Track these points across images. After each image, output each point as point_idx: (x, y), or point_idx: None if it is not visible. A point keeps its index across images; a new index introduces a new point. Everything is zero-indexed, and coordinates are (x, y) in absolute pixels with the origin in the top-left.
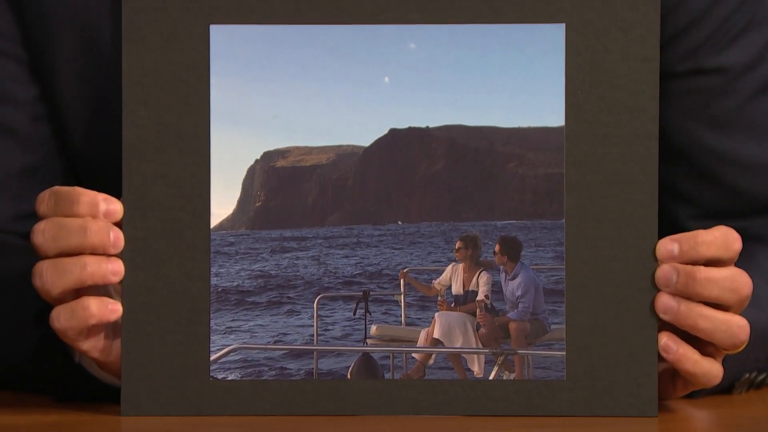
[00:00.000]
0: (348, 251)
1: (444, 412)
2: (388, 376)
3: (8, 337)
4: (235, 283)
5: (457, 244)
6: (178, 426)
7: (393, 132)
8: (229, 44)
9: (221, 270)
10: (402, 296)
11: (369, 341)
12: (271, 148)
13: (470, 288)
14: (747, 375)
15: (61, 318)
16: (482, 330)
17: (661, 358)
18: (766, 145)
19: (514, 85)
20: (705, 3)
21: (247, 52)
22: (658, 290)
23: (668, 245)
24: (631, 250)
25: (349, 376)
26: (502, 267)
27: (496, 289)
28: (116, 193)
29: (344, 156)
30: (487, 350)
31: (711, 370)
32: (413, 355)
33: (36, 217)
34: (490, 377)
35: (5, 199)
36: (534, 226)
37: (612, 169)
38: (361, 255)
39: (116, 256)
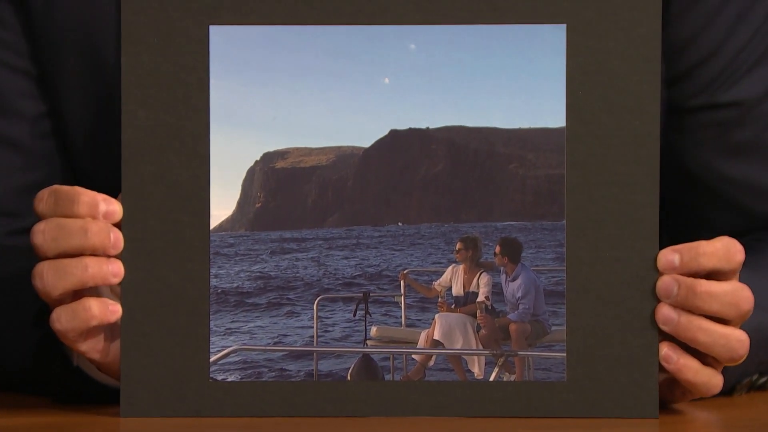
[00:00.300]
0: (348, 252)
1: (444, 413)
2: (388, 377)
3: (7, 338)
4: (235, 285)
5: (458, 246)
6: (178, 427)
7: (393, 133)
8: (228, 45)
9: (221, 271)
10: (402, 297)
11: (369, 342)
12: (271, 149)
13: (470, 289)
14: (748, 378)
15: (62, 319)
16: (482, 331)
17: (661, 368)
18: None
19: (515, 85)
20: (717, 39)
21: (246, 53)
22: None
23: (669, 255)
24: (632, 252)
25: (349, 378)
26: (502, 268)
27: (496, 290)
28: None
29: (344, 157)
30: (487, 352)
31: (711, 380)
32: (413, 356)
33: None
34: (491, 379)
35: None
36: (534, 227)
37: (613, 170)
38: (361, 256)
39: (116, 257)
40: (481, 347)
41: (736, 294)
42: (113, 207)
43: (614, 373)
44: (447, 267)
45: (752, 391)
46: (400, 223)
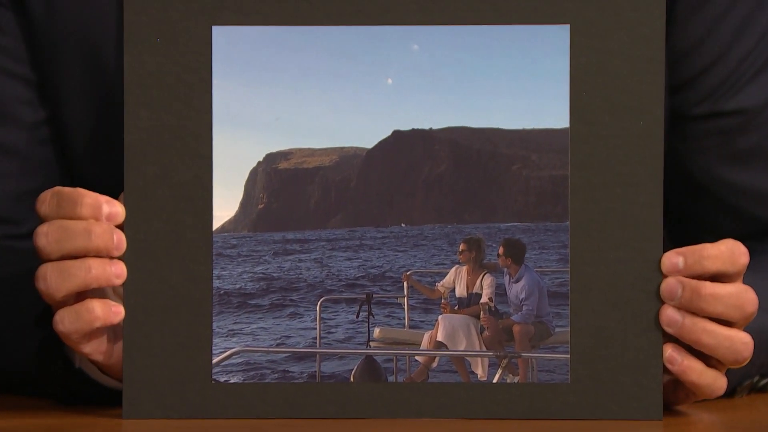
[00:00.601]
0: (351, 253)
1: (447, 415)
2: (391, 379)
3: (9, 340)
4: (238, 286)
5: (461, 247)
6: (180, 429)
7: (396, 134)
8: (231, 46)
9: (223, 272)
10: (405, 299)
11: (372, 344)
12: (274, 149)
13: (474, 290)
14: (749, 380)
15: (66, 321)
16: (486, 333)
17: (664, 370)
18: None
19: (518, 86)
20: (720, 46)
21: (249, 53)
22: (663, 301)
23: (673, 258)
24: (635, 252)
25: (352, 379)
26: (506, 269)
27: (500, 291)
28: None
29: (347, 158)
30: (490, 353)
31: (715, 381)
32: (416, 358)
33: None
34: (494, 380)
35: None
36: (538, 228)
37: (616, 171)
38: (364, 257)
39: (118, 258)
40: (484, 349)
41: (741, 296)
42: (116, 209)
43: (618, 375)
44: (450, 268)
45: (753, 393)
46: (403, 224)
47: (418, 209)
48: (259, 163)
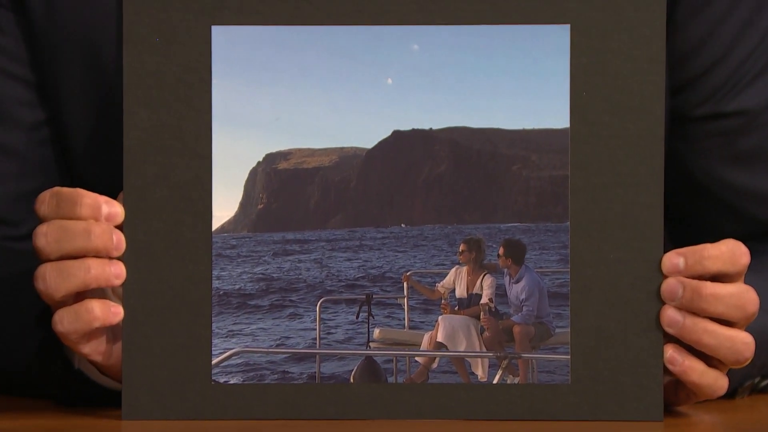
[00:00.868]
0: (351, 254)
1: (447, 416)
2: (391, 380)
3: (8, 341)
4: (237, 286)
5: (461, 247)
6: (180, 430)
7: (396, 134)
8: (231, 45)
9: (223, 273)
10: (405, 299)
11: (372, 345)
12: (273, 150)
13: (474, 291)
14: (750, 381)
15: (65, 321)
16: (486, 333)
17: (665, 370)
18: None
19: (518, 86)
20: (722, 47)
21: (249, 53)
22: (664, 302)
23: (674, 259)
24: (636, 253)
25: (351, 380)
26: (506, 270)
27: (500, 292)
28: None
29: (347, 158)
30: (491, 354)
31: (716, 382)
32: (416, 358)
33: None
34: (494, 381)
35: None
36: (538, 228)
37: (617, 171)
38: (364, 258)
39: (117, 258)
40: (484, 349)
41: (742, 296)
42: (115, 209)
43: (618, 376)
44: (450, 269)
45: (754, 394)
46: (403, 225)
47: (418, 210)
48: (258, 163)
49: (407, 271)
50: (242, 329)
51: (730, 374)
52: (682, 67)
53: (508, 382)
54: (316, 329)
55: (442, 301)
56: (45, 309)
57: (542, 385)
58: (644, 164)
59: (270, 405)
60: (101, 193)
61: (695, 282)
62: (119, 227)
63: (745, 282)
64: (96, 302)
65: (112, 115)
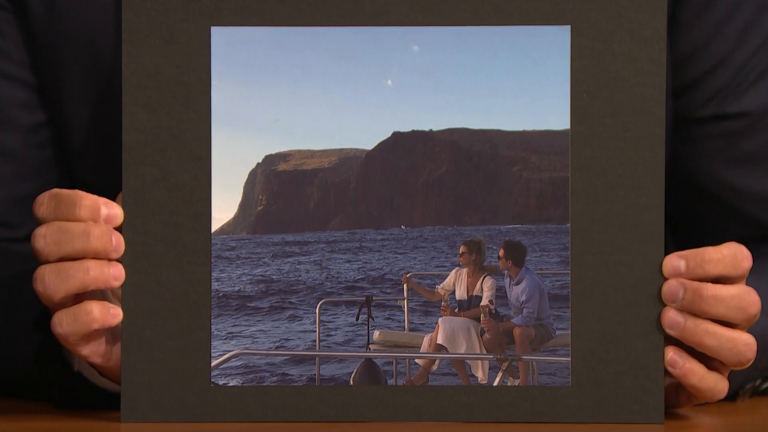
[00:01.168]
0: (350, 256)
1: (447, 418)
2: (391, 382)
3: (8, 343)
4: (237, 288)
5: (461, 249)
6: None
7: (396, 135)
8: (230, 46)
9: (222, 275)
10: (405, 301)
11: (372, 347)
12: (273, 151)
13: (474, 293)
14: (751, 383)
15: (64, 323)
16: (486, 335)
17: (666, 372)
18: None
19: (519, 87)
20: (724, 49)
21: (248, 54)
22: (665, 304)
23: (675, 262)
24: (637, 255)
25: (351, 382)
26: (506, 272)
27: (500, 294)
28: None
29: (346, 159)
30: (491, 356)
31: (717, 385)
32: (416, 360)
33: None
34: (494, 383)
35: None
36: (539, 230)
37: (618, 173)
38: (364, 260)
39: (116, 260)
40: (484, 351)
41: (743, 298)
42: (114, 210)
43: (619, 378)
44: (450, 270)
45: (755, 396)
46: (403, 226)
47: (418, 211)
48: (258, 164)
49: (407, 273)
50: (242, 331)
51: (731, 376)
52: (685, 68)
53: (509, 384)
54: (315, 331)
55: (442, 303)
56: (44, 311)
57: (543, 388)
58: (645, 166)
59: (269, 407)
60: (101, 194)
61: (696, 284)
62: (118, 229)
63: (747, 284)
64: (95, 304)
65: (112, 116)
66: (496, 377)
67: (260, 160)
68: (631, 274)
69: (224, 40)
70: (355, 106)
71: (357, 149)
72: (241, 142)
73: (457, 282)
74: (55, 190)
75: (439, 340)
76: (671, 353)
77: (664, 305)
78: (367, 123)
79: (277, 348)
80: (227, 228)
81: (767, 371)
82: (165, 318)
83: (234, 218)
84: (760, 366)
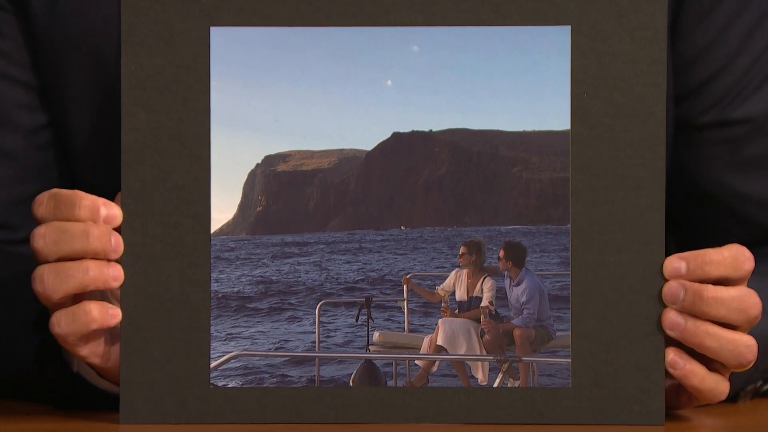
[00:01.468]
0: (350, 257)
1: (447, 420)
2: (390, 383)
3: (7, 344)
4: (236, 289)
5: (461, 250)
6: None
7: (396, 136)
8: (229, 47)
9: (221, 276)
10: (405, 302)
11: (371, 348)
12: (272, 151)
13: (474, 294)
14: (753, 384)
15: (62, 323)
16: (486, 337)
17: (667, 374)
18: None
19: (519, 88)
20: (727, 54)
21: (247, 54)
22: (665, 305)
23: (675, 263)
24: (637, 256)
25: (351, 384)
26: (506, 273)
27: (500, 295)
28: None
29: (346, 160)
30: (491, 357)
31: (717, 386)
32: (416, 362)
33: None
34: (495, 385)
35: None
36: (539, 231)
37: (618, 174)
38: (364, 260)
39: (115, 261)
40: (485, 353)
41: (744, 299)
42: (114, 211)
43: (620, 379)
44: (450, 271)
45: (756, 398)
46: (402, 227)
47: (417, 212)
48: (257, 165)
49: (407, 274)
50: (241, 332)
51: (732, 378)
52: (687, 74)
53: (509, 385)
54: (315, 332)
55: (442, 304)
56: (43, 311)
57: (543, 389)
58: (645, 166)
59: (269, 409)
60: (102, 195)
61: (697, 285)
62: (117, 229)
63: (748, 285)
64: (94, 304)
65: (114, 118)
66: (496, 378)
67: (260, 161)
68: (631, 275)
69: (224, 41)
70: (354, 107)
71: (357, 150)
72: (241, 142)
73: (457, 283)
74: (55, 190)
75: (439, 342)
76: (672, 354)
77: (665, 306)
78: (367, 123)
79: (276, 349)
80: (226, 229)
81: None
82: (164, 319)
83: (233, 219)
84: (761, 367)
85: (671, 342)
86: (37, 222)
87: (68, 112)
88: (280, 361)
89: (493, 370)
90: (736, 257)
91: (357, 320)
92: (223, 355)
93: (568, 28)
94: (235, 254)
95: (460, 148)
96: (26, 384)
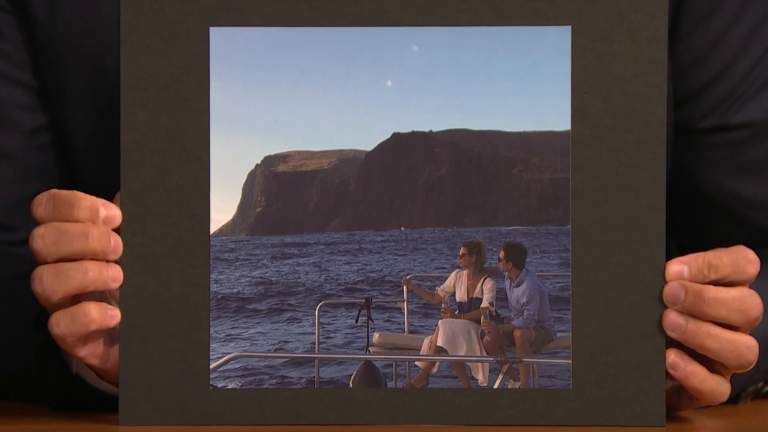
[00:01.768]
0: (350, 257)
1: (447, 421)
2: (390, 384)
3: (5, 345)
4: (235, 290)
5: (461, 251)
6: None
7: (396, 136)
8: (229, 47)
9: (221, 276)
10: (405, 303)
11: (371, 349)
12: (272, 152)
13: (474, 295)
14: (754, 386)
15: (61, 324)
16: (487, 338)
17: (667, 375)
18: None
19: (519, 88)
20: (726, 58)
21: (247, 54)
22: (666, 306)
23: (677, 266)
24: (638, 257)
25: (351, 385)
26: (506, 273)
27: (500, 296)
28: None
29: (346, 160)
30: (491, 358)
31: (718, 388)
32: (416, 363)
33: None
34: (495, 386)
35: None
36: (539, 231)
37: (619, 174)
38: (364, 261)
39: (115, 262)
40: (485, 354)
41: (745, 300)
42: (113, 212)
43: (620, 381)
44: (450, 272)
45: (757, 399)
46: (402, 228)
47: (418, 212)
48: (257, 165)
49: (407, 275)
50: (240, 333)
51: (733, 379)
52: (687, 78)
53: (509, 386)
54: (315, 333)
55: (443, 305)
56: (42, 312)
57: (543, 390)
58: (646, 167)
59: (268, 410)
60: (102, 196)
61: (698, 286)
62: (117, 230)
63: (750, 287)
64: (93, 305)
65: (114, 118)
66: (496, 380)
67: (259, 161)
68: (632, 276)
69: (223, 41)
70: (354, 107)
71: (356, 150)
72: (240, 142)
73: (457, 284)
74: (54, 191)
75: (439, 343)
76: (673, 356)
77: (666, 307)
78: (367, 124)
79: (276, 350)
80: (226, 229)
81: None
82: (163, 320)
83: (233, 219)
84: (762, 369)
85: (672, 343)
86: (36, 223)
87: (68, 113)
88: (280, 363)
89: (493, 372)
90: (737, 263)
91: (357, 321)
92: (223, 356)
93: (569, 28)
94: (235, 255)
95: (461, 148)
96: (25, 385)
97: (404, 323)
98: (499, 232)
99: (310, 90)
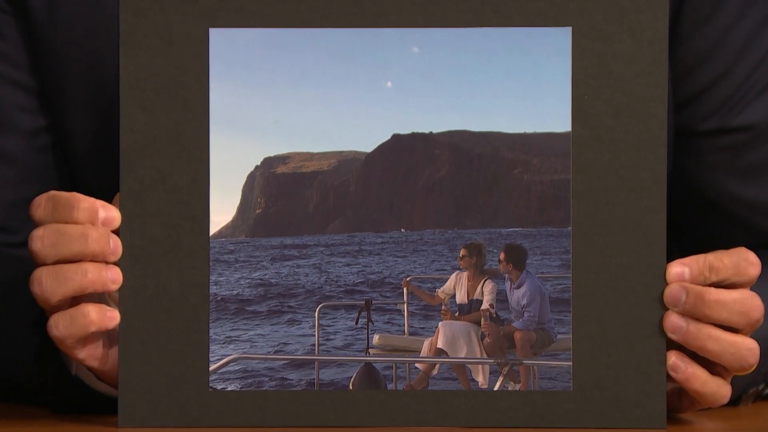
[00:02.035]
0: (350, 259)
1: (448, 423)
2: (390, 386)
3: (5, 346)
4: (235, 292)
5: (462, 252)
6: None
7: (396, 137)
8: (228, 48)
9: (220, 278)
10: (405, 305)
11: (371, 351)
12: (272, 153)
13: (475, 297)
14: (755, 388)
15: (60, 325)
16: (487, 339)
17: (668, 377)
18: None
19: (520, 89)
20: (726, 61)
21: (247, 55)
22: (667, 308)
23: (677, 268)
24: (639, 258)
25: (351, 387)
26: (507, 275)
27: (501, 297)
28: None
29: (346, 162)
30: (491, 360)
31: (719, 390)
32: (416, 365)
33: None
34: (495, 388)
35: None
36: (539, 233)
37: (619, 176)
38: (363, 263)
39: (114, 263)
40: (485, 356)
41: (746, 302)
42: (112, 213)
43: (621, 383)
44: (451, 274)
45: (758, 401)
46: (402, 229)
47: (418, 214)
48: (256, 167)
49: (407, 277)
50: (240, 335)
51: (734, 381)
52: (687, 80)
53: (510, 388)
54: (314, 335)
55: (443, 307)
56: (41, 314)
57: (544, 392)
58: (647, 168)
59: (268, 412)
60: (102, 198)
61: (699, 287)
62: (116, 232)
63: (751, 288)
64: (92, 306)
65: (114, 120)
66: (496, 382)
67: (259, 163)
68: (633, 278)
69: (223, 42)
70: (354, 108)
71: (356, 151)
72: (240, 144)
73: (457, 285)
74: (53, 193)
75: (440, 345)
76: (673, 358)
77: (666, 309)
78: (367, 125)
79: (275, 352)
80: (225, 231)
81: None
82: (163, 321)
83: (232, 221)
84: (764, 371)
85: (673, 345)
86: (35, 224)
87: (68, 114)
88: (280, 364)
89: (493, 373)
90: (738, 265)
91: (357, 323)
92: (222, 358)
93: (569, 29)
94: (234, 257)
95: (461, 149)
96: (24, 387)
97: (404, 325)
98: (499, 234)
99: (309, 91)
